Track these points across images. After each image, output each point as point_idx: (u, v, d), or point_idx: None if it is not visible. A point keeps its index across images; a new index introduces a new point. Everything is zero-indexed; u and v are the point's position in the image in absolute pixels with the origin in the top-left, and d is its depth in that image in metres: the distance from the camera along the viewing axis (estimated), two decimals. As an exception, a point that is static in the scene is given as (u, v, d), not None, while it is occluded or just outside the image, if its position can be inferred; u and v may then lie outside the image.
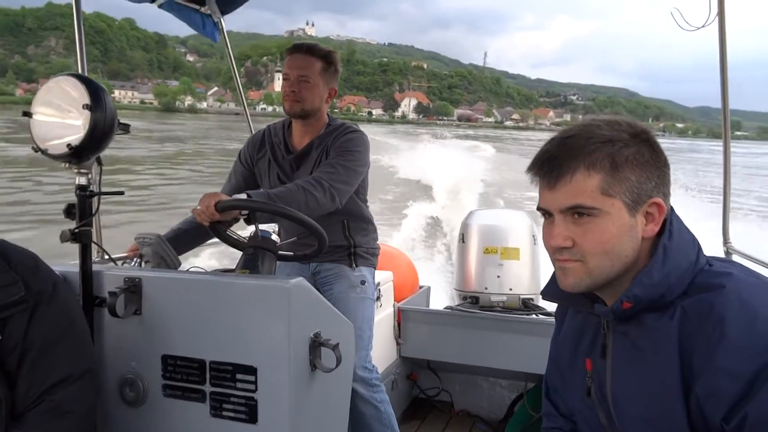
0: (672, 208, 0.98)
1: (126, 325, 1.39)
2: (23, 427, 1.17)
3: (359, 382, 1.97)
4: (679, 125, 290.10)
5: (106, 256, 1.68)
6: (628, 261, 0.94)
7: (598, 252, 0.93)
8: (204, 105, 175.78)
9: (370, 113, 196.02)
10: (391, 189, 15.87)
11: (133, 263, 1.69)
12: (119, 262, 1.68)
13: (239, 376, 1.30)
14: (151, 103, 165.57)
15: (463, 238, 3.27)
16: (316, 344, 1.34)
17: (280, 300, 1.27)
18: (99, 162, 1.48)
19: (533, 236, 3.17)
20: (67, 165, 1.40)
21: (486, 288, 3.09)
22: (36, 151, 1.38)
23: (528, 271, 3.09)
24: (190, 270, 1.60)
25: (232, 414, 1.31)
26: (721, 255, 2.44)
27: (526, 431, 2.74)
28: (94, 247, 1.49)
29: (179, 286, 1.39)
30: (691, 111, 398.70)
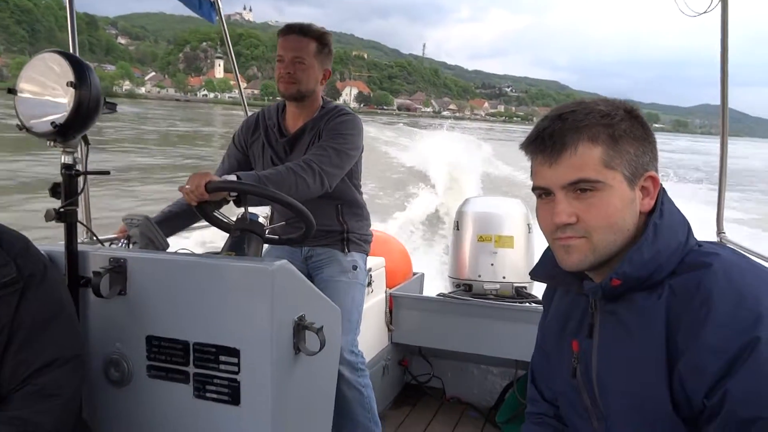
0: (663, 189, 0.98)
1: (111, 305, 1.39)
2: (8, 409, 1.17)
3: (345, 365, 1.97)
4: None
5: (94, 237, 1.68)
6: (629, 235, 0.94)
7: (603, 226, 0.92)
8: (142, 90, 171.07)
9: None
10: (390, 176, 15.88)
11: (120, 244, 1.68)
12: (107, 244, 1.67)
13: (222, 358, 1.30)
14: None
15: (458, 226, 3.26)
16: (300, 327, 1.33)
17: (264, 282, 1.26)
18: (86, 141, 1.47)
19: (528, 225, 3.16)
20: (53, 143, 1.38)
21: (479, 276, 3.09)
22: (21, 129, 1.37)
23: (522, 259, 3.09)
24: (177, 252, 1.59)
25: (215, 395, 1.32)
26: None
27: (517, 418, 2.76)
28: (83, 228, 1.48)
29: (164, 267, 1.39)
30: None
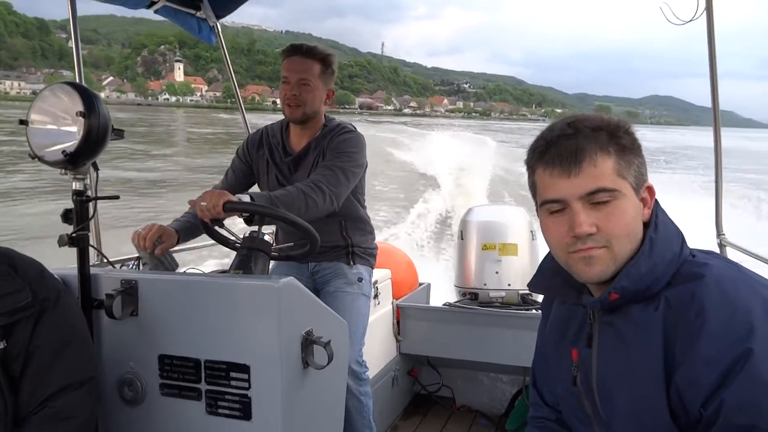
0: (657, 202, 1.00)
1: (124, 326, 1.43)
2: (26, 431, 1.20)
3: (350, 375, 2.00)
4: (558, 110, 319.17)
5: (106, 260, 1.72)
6: (637, 245, 0.95)
7: (623, 234, 0.93)
8: (102, 96, 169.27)
9: (274, 102, 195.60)
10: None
11: (131, 266, 1.72)
12: (118, 266, 1.71)
13: (233, 374, 1.33)
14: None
15: (462, 235, 3.28)
16: (308, 342, 1.36)
17: (270, 299, 1.30)
18: (95, 167, 1.52)
19: (531, 232, 3.18)
20: (64, 171, 1.43)
21: (485, 284, 3.11)
22: (33, 158, 1.42)
23: (526, 266, 3.10)
24: (186, 272, 1.63)
25: (227, 411, 1.35)
26: (715, 247, 2.44)
27: (527, 425, 2.76)
28: (93, 251, 1.52)
29: (174, 287, 1.43)
30: (571, 97, 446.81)
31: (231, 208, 1.58)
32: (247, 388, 1.32)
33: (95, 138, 1.38)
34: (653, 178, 1.02)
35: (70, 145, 1.37)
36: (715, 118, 2.34)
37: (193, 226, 1.93)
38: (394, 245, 3.74)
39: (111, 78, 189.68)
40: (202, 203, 1.58)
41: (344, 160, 1.97)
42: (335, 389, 1.58)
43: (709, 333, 0.85)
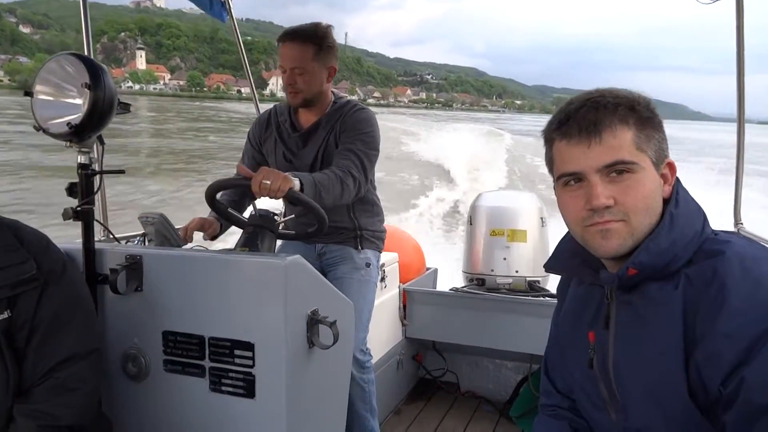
0: (677, 178, 0.97)
1: (128, 301, 1.42)
2: (30, 402, 1.20)
3: (354, 363, 1.98)
4: (518, 102, 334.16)
5: (111, 235, 1.71)
6: (657, 220, 0.94)
7: (641, 207, 0.92)
8: None
9: (239, 92, 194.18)
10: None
11: (136, 242, 1.71)
12: (123, 241, 1.70)
13: (237, 352, 1.32)
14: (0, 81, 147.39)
15: (471, 221, 3.26)
16: (313, 321, 1.35)
17: (277, 277, 1.28)
18: (101, 141, 1.50)
19: (542, 218, 3.14)
20: (69, 144, 1.41)
21: (492, 270, 3.08)
22: (37, 130, 1.40)
23: (535, 253, 3.06)
24: (192, 248, 1.62)
25: (230, 389, 1.34)
26: None
27: (531, 412, 2.76)
28: (98, 227, 1.51)
29: (179, 263, 1.41)
30: (530, 89, 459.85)
31: (291, 198, 1.56)
32: (252, 366, 1.31)
33: (101, 111, 1.36)
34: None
35: (75, 117, 1.36)
36: (740, 110, 2.28)
37: (234, 203, 1.99)
38: (402, 229, 3.71)
39: None
40: (266, 182, 1.53)
41: (366, 142, 1.98)
42: (340, 369, 1.57)
43: (730, 309, 0.83)
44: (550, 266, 1.11)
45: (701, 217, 0.95)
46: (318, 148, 2.04)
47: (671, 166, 0.96)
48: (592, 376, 1.03)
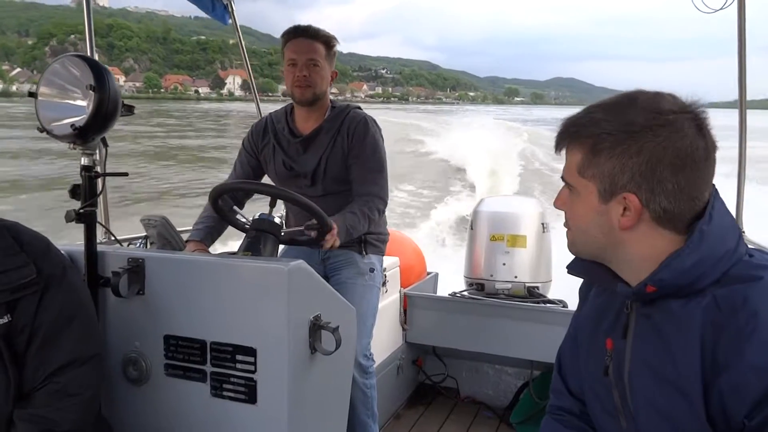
0: (716, 190, 0.92)
1: (129, 304, 1.41)
2: (30, 407, 1.20)
3: (358, 368, 1.97)
4: (471, 94, 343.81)
5: (113, 237, 1.70)
6: (600, 244, 0.96)
7: (575, 225, 0.98)
8: (14, 88, 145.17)
9: (197, 92, 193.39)
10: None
11: (138, 244, 1.71)
12: (125, 244, 1.70)
13: (239, 357, 1.31)
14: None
15: (472, 225, 3.25)
16: (315, 327, 1.34)
17: (279, 282, 1.27)
18: (104, 143, 1.50)
19: (542, 224, 3.13)
20: (72, 146, 1.41)
21: (492, 275, 3.07)
22: (41, 132, 1.40)
23: (534, 259, 3.06)
24: (194, 252, 1.61)
25: (231, 394, 1.33)
26: None
27: (532, 419, 2.75)
28: (101, 228, 1.51)
29: (181, 267, 1.41)
30: (482, 81, 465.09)
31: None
32: (253, 372, 1.30)
33: (105, 113, 1.36)
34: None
35: (80, 119, 1.35)
36: (741, 107, 2.26)
37: (213, 229, 1.99)
38: (403, 233, 3.70)
39: (19, 69, 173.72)
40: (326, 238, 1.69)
41: (378, 159, 2.04)
42: (342, 376, 1.56)
43: (760, 341, 0.80)
44: (573, 268, 1.09)
45: (735, 235, 0.91)
46: (321, 154, 2.03)
47: (630, 201, 0.90)
48: (606, 383, 1.02)
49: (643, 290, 0.91)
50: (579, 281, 1.22)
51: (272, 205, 1.65)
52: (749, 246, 0.94)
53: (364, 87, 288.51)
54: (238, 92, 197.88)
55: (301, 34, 2.02)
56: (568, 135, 0.96)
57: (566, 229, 1.01)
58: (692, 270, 0.87)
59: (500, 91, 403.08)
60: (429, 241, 7.82)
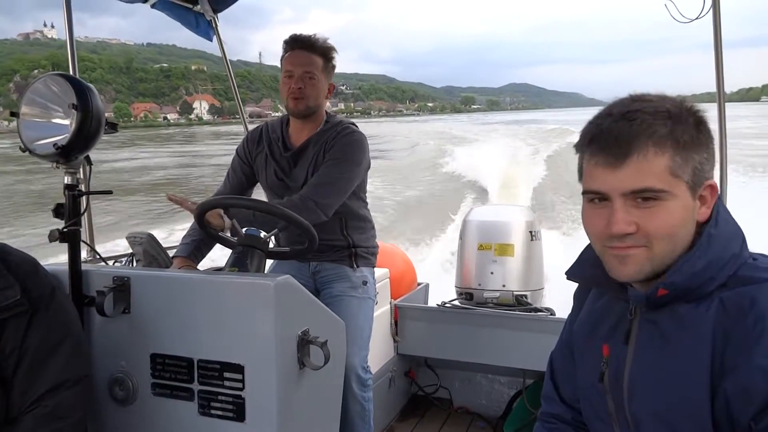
0: (719, 197, 0.94)
1: (115, 324, 1.40)
2: (19, 430, 1.18)
3: (356, 381, 1.96)
4: (430, 104, 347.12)
5: (98, 256, 1.69)
6: (686, 246, 0.90)
7: (664, 236, 0.87)
8: None
9: (165, 118, 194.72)
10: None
11: (124, 262, 1.69)
12: (110, 262, 1.68)
13: (227, 375, 1.30)
14: None
15: (461, 235, 3.26)
16: (304, 342, 1.34)
17: (266, 297, 1.27)
18: (88, 161, 1.49)
19: (531, 232, 3.14)
20: (56, 165, 1.40)
21: (480, 284, 3.07)
22: (23, 151, 1.38)
23: (523, 267, 3.06)
24: (180, 269, 1.60)
25: (220, 412, 1.32)
26: None
27: (525, 427, 2.74)
28: (85, 247, 1.49)
29: (167, 284, 1.40)
30: (439, 91, 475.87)
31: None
32: (241, 389, 1.29)
33: (88, 131, 1.35)
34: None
35: (62, 138, 1.34)
36: (720, 114, 2.28)
37: (201, 244, 1.97)
38: (393, 244, 3.70)
39: None
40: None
41: (342, 168, 1.96)
42: (332, 390, 1.55)
43: None
44: (573, 273, 1.06)
45: (740, 239, 0.91)
46: (307, 167, 2.02)
47: (712, 188, 0.91)
48: (600, 390, 1.01)
49: (655, 294, 0.90)
50: (569, 289, 1.21)
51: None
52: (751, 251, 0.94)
53: (327, 104, 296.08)
54: (206, 116, 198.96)
55: (300, 45, 2.01)
56: (647, 133, 0.87)
57: (635, 251, 0.89)
58: (702, 273, 0.87)
59: (457, 100, 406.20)
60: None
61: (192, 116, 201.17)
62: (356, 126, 2.11)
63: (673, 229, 0.87)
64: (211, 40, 2.84)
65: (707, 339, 0.85)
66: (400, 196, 14.62)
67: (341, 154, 1.98)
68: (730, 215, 0.93)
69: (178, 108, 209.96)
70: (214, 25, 2.79)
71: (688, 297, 0.89)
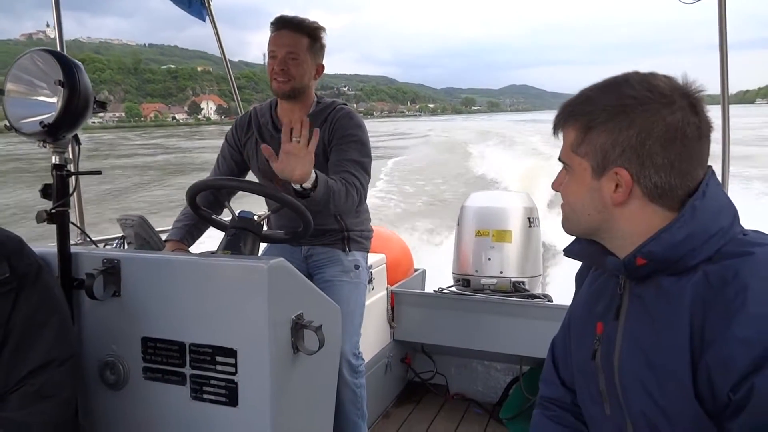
0: (712, 171, 0.93)
1: (105, 307, 1.37)
2: (4, 410, 1.16)
3: (347, 367, 1.95)
4: (431, 105, 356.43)
5: (87, 238, 1.66)
6: (593, 221, 0.96)
7: (571, 204, 0.99)
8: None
9: (174, 118, 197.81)
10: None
11: (114, 245, 1.66)
12: (101, 244, 1.65)
13: (219, 359, 1.28)
14: None
15: (459, 221, 3.23)
16: (298, 326, 1.31)
17: (260, 280, 1.24)
18: (77, 141, 1.45)
19: (529, 218, 3.11)
20: (42, 143, 1.36)
21: (477, 270, 3.05)
22: (9, 129, 1.35)
23: (520, 254, 3.04)
24: (172, 252, 1.57)
25: (212, 396, 1.29)
26: None
27: (522, 414, 2.74)
28: (75, 229, 1.46)
29: (158, 267, 1.37)
30: (439, 92, 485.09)
31: (294, 193, 1.64)
32: (234, 373, 1.27)
33: (75, 109, 1.31)
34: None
35: (49, 116, 1.31)
36: (724, 107, 2.25)
37: (193, 228, 1.95)
38: (389, 229, 3.67)
39: None
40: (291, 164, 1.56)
41: (360, 151, 1.95)
42: (326, 375, 1.53)
43: (748, 314, 0.79)
44: (570, 250, 1.08)
45: (730, 214, 0.91)
46: None
47: (622, 176, 0.91)
48: (593, 368, 1.01)
49: (633, 262, 0.91)
50: (570, 274, 1.21)
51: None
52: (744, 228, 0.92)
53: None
54: (214, 116, 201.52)
55: (284, 25, 1.98)
56: (564, 115, 0.96)
57: (564, 209, 1.01)
58: (682, 244, 0.87)
59: (457, 102, 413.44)
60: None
61: (200, 116, 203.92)
62: (347, 105, 2.10)
63: (574, 198, 0.97)
64: (204, 20, 2.78)
65: (686, 311, 0.85)
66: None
67: (356, 136, 1.97)
68: (721, 190, 0.92)
69: (186, 108, 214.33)
70: (206, 4, 2.73)
71: (670, 269, 0.89)
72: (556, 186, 1.02)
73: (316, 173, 1.61)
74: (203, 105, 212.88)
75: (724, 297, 0.83)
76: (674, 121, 0.87)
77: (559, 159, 0.99)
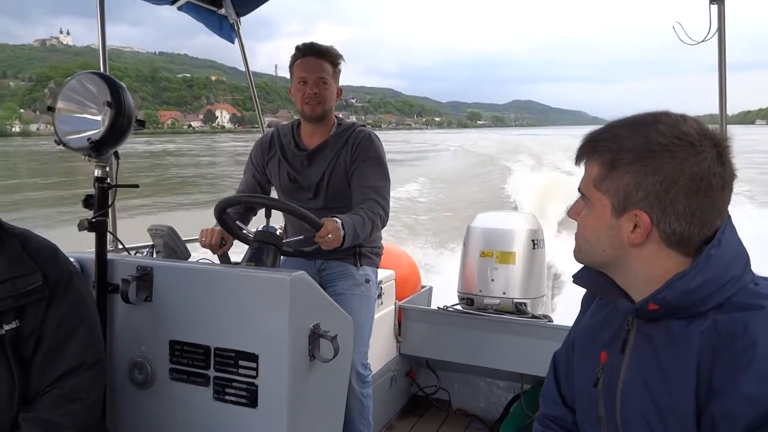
0: (729, 217, 0.93)
1: (137, 311, 1.47)
2: (35, 411, 1.24)
3: (355, 377, 2.03)
4: (437, 119, 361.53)
5: (122, 246, 1.77)
6: (607, 257, 0.97)
7: (585, 236, 0.99)
8: (34, 128, 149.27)
9: (190, 126, 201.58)
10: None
11: (145, 253, 1.77)
12: (133, 252, 1.76)
13: (241, 363, 1.37)
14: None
15: (465, 242, 3.30)
16: (315, 335, 1.41)
17: (281, 291, 1.34)
18: (117, 156, 1.57)
19: (533, 240, 3.17)
20: (87, 158, 1.48)
21: (480, 290, 3.10)
22: (58, 144, 1.47)
23: (524, 275, 3.09)
24: (199, 261, 1.68)
25: (233, 398, 1.39)
26: None
27: (522, 431, 2.80)
28: (109, 237, 1.57)
29: (188, 275, 1.47)
30: (445, 106, 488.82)
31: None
32: (255, 377, 1.36)
33: (120, 127, 1.43)
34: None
35: (95, 132, 1.42)
36: (722, 130, 2.33)
37: (242, 216, 2.09)
38: (398, 246, 3.76)
39: (22, 111, 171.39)
40: (330, 236, 1.74)
41: (380, 176, 2.09)
42: (339, 383, 1.62)
43: (757, 371, 0.81)
44: (579, 278, 1.09)
45: (743, 262, 0.91)
46: (325, 168, 2.11)
47: (642, 218, 0.91)
48: (594, 394, 1.04)
49: (645, 308, 0.92)
50: (573, 298, 1.26)
51: (267, 215, 1.74)
52: (756, 275, 0.94)
53: (340, 116, 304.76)
54: (228, 125, 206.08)
55: (312, 52, 2.11)
56: (589, 148, 0.97)
57: (576, 238, 1.02)
58: (696, 292, 0.88)
59: (463, 116, 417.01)
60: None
61: (215, 124, 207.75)
62: (366, 127, 2.23)
63: (591, 232, 0.98)
64: (233, 43, 2.91)
65: (693, 358, 0.87)
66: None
67: (377, 158, 2.12)
68: (737, 237, 0.93)
69: (201, 116, 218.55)
70: (236, 28, 2.87)
71: (681, 314, 0.90)
72: (573, 214, 1.02)
73: (344, 228, 1.78)
74: (217, 113, 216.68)
75: (733, 350, 0.84)
76: (701, 170, 0.87)
77: (579, 189, 0.99)
